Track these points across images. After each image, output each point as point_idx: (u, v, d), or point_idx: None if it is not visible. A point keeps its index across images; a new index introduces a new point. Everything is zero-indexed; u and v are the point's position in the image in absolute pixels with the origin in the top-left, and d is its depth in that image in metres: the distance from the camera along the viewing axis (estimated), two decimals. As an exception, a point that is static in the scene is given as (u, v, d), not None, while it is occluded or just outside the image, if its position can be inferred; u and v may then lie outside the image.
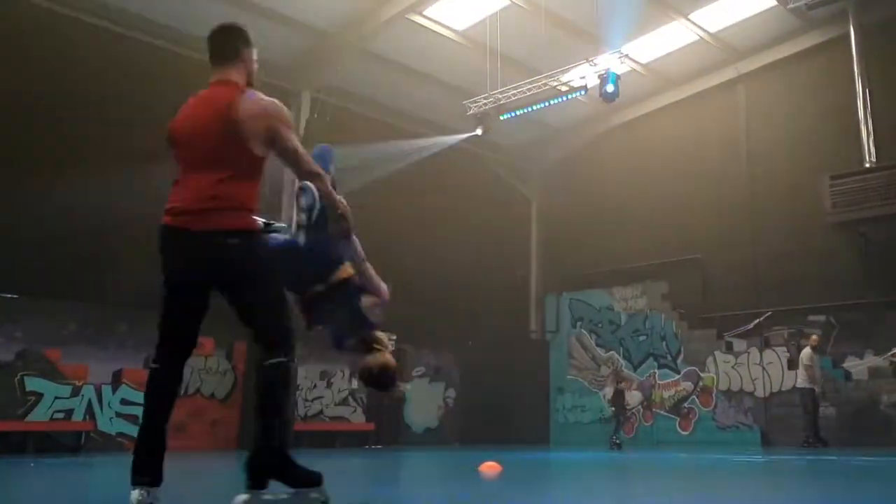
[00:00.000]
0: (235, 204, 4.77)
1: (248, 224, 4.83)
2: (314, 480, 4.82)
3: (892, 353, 17.74)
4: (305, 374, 19.43)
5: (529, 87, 18.20)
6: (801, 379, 17.12)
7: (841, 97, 18.45)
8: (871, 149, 17.77)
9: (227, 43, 5.16)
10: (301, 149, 4.89)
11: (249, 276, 4.80)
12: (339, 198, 5.08)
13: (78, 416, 16.21)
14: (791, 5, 17.86)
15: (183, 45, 17.47)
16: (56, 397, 16.03)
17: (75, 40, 16.56)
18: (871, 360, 18.04)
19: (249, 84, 5.12)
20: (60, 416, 16.03)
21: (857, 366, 18.18)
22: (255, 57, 5.21)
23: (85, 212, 15.34)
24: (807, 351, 17.16)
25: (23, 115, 15.76)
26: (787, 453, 15.07)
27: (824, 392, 17.37)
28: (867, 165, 17.68)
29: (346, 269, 5.59)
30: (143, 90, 16.79)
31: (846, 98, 18.17)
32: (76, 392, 16.26)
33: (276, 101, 4.97)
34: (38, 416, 15.68)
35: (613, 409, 19.04)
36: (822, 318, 18.75)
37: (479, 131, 19.03)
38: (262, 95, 4.93)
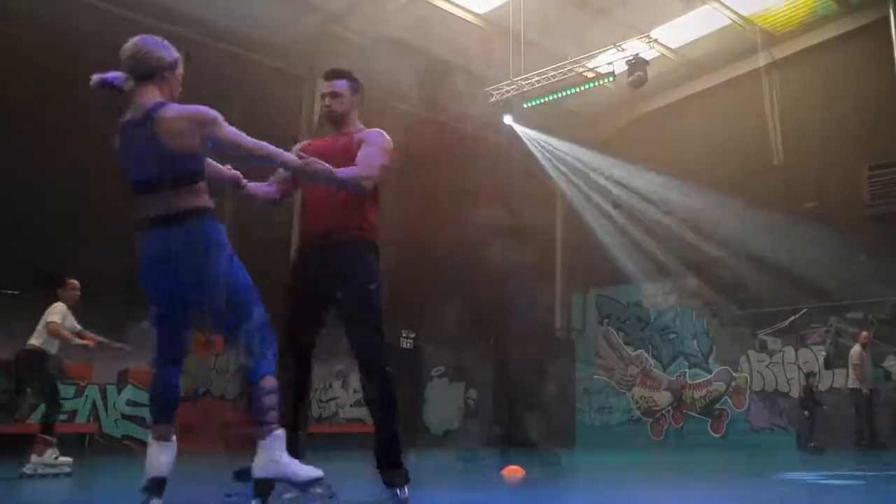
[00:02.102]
0: None
1: None
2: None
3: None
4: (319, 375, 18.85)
5: (554, 73, 17.78)
6: (850, 379, 16.55)
7: (879, 83, 17.73)
8: None
9: None
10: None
11: None
12: None
13: (82, 419, 16.01)
14: None
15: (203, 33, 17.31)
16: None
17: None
18: None
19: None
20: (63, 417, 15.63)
21: None
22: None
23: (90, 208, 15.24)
24: (856, 349, 16.63)
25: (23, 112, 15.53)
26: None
27: (873, 392, 16.71)
28: None
29: None
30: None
31: (885, 84, 17.35)
32: (80, 392, 16.00)
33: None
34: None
35: (806, 410, 17.72)
36: (860, 314, 18.32)
37: (507, 119, 18.86)
38: None
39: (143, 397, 16.41)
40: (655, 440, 21.07)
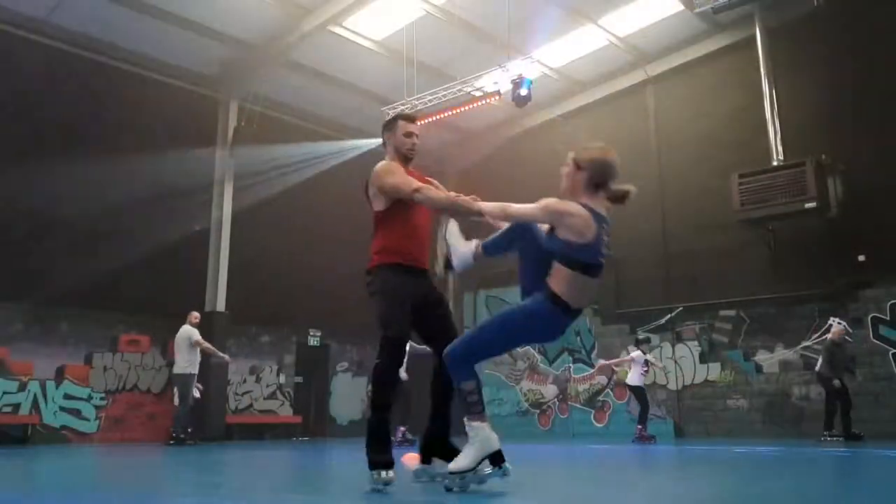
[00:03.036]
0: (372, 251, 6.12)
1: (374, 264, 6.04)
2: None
3: (801, 346, 18.14)
4: (235, 369, 20.23)
5: (444, 92, 18.82)
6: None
7: (747, 97, 18.99)
8: (777, 147, 18.21)
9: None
10: (395, 182, 5.90)
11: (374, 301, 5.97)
12: (447, 194, 5.89)
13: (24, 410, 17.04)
14: (697, 10, 18.27)
15: (111, 56, 18.83)
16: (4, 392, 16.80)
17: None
18: (782, 353, 18.49)
19: (401, 155, 6.23)
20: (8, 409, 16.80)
21: (769, 359, 18.70)
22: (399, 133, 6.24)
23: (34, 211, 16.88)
24: (827, 343, 16.54)
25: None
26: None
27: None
28: (774, 164, 18.08)
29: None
30: (81, 101, 18.10)
31: (753, 98, 18.66)
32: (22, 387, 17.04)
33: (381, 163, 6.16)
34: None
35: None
36: (732, 312, 19.35)
37: None
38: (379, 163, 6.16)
39: (79, 391, 17.80)
40: (543, 430, 21.87)
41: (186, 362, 16.41)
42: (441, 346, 5.71)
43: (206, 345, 16.62)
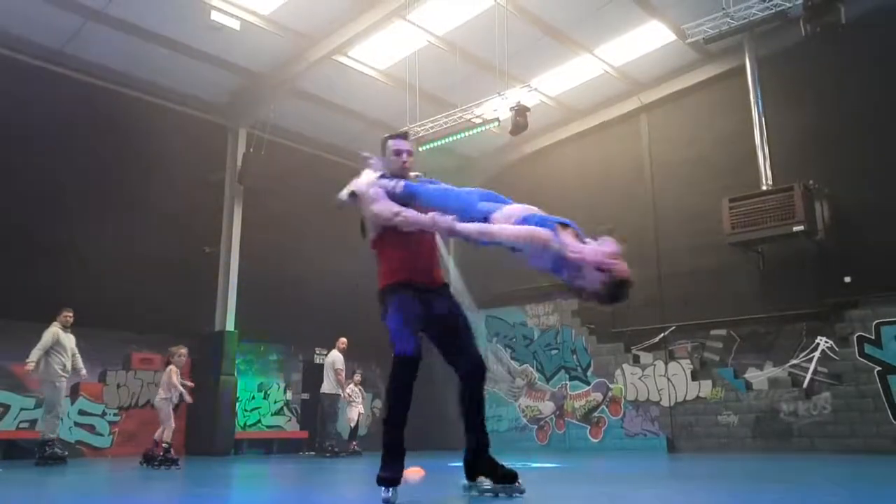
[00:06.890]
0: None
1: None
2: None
3: (789, 363, 18.60)
4: (245, 387, 20.99)
5: (445, 119, 19.54)
6: None
7: (738, 124, 19.52)
8: (767, 173, 18.67)
9: None
10: (376, 209, 6.04)
11: None
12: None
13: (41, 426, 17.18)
14: (689, 40, 18.39)
15: (125, 85, 19.58)
16: (21, 408, 17.46)
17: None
18: (771, 370, 18.95)
19: (394, 173, 6.34)
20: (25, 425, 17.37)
21: (758, 377, 19.14)
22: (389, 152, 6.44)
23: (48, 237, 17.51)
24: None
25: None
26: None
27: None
28: (764, 188, 18.49)
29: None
30: (95, 129, 18.80)
31: (743, 125, 19.17)
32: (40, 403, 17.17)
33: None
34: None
35: None
36: (723, 331, 19.84)
37: None
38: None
39: (93, 408, 18.36)
40: (540, 444, 22.34)
41: (330, 384, 18.34)
42: (461, 364, 6.05)
43: (341, 377, 18.35)
